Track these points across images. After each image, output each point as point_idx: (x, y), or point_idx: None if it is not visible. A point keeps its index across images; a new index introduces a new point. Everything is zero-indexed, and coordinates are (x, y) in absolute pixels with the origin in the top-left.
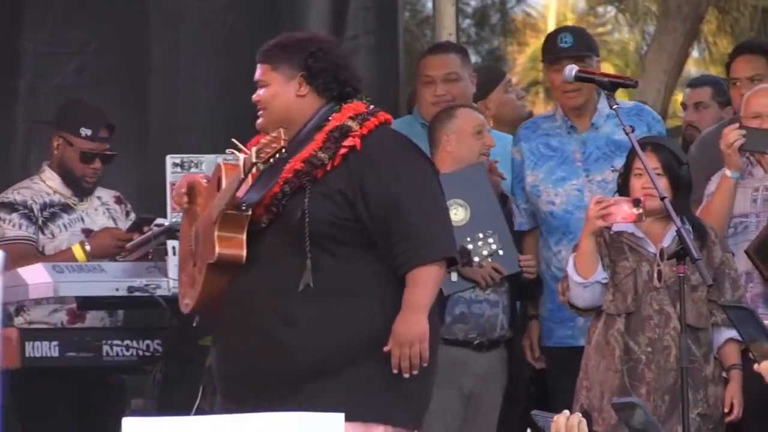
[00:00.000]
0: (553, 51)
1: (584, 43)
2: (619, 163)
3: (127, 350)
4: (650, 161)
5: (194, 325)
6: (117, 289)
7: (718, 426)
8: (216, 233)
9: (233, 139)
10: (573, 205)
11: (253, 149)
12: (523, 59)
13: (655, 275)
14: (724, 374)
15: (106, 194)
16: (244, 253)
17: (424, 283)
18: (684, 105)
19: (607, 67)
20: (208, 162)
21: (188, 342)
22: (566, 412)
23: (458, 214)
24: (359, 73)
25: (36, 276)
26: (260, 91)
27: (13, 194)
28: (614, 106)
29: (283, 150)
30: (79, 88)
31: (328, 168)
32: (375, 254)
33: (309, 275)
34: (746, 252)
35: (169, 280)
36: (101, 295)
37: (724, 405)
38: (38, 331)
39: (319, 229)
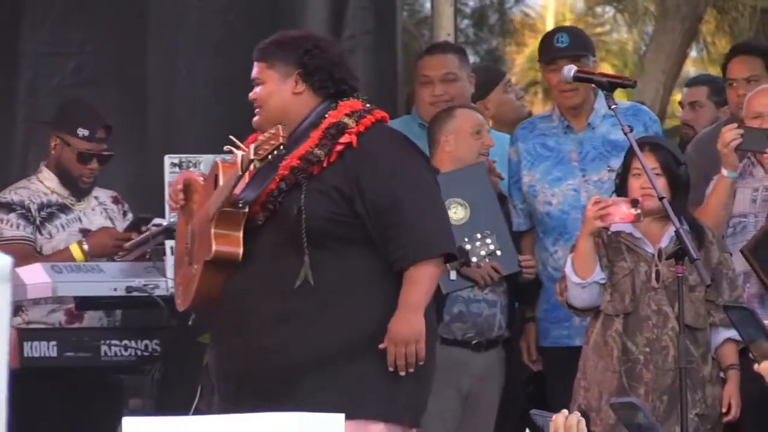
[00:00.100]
0: (550, 51)
1: (581, 43)
2: (616, 163)
3: (126, 350)
4: (649, 161)
5: (190, 323)
6: (115, 289)
7: (716, 426)
8: (212, 230)
9: (231, 137)
10: (569, 205)
11: (252, 146)
12: (522, 59)
13: (653, 275)
14: (721, 374)
15: (103, 194)
16: (241, 250)
17: (421, 281)
18: (681, 104)
19: (605, 67)
20: (206, 162)
21: (187, 342)
22: (565, 411)
23: (458, 213)
24: (355, 72)
25: (34, 276)
26: (257, 89)
27: (10, 194)
28: (613, 107)
29: (282, 147)
30: (78, 88)
31: (324, 165)
32: (372, 251)
33: (307, 272)
34: (741, 251)
35: (167, 280)
36: (99, 295)
37: (722, 405)
38: (36, 331)
39: (316, 226)
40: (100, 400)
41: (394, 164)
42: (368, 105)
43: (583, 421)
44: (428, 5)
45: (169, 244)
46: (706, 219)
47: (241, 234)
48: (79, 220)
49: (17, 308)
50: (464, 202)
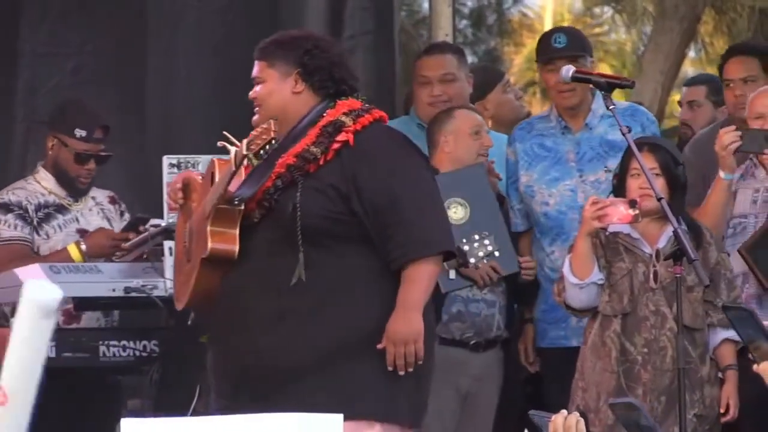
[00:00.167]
0: (547, 51)
1: (578, 43)
2: (613, 163)
3: (124, 351)
4: (648, 161)
5: (189, 323)
6: (113, 290)
7: (714, 427)
8: (208, 228)
9: (225, 132)
10: (567, 206)
11: (244, 141)
12: (520, 60)
13: (651, 276)
14: (720, 375)
15: (100, 194)
16: (237, 248)
17: (419, 280)
18: (680, 104)
19: (603, 68)
20: (204, 162)
21: (185, 342)
22: (564, 411)
23: (458, 212)
24: (355, 72)
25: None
26: (256, 88)
27: (7, 195)
28: (611, 107)
29: (273, 141)
30: (77, 88)
31: (321, 162)
32: (370, 249)
33: (301, 269)
34: (739, 251)
35: (165, 281)
36: (98, 295)
37: (720, 406)
38: None
39: (312, 224)
40: (98, 400)
41: (393, 163)
42: (367, 104)
43: (582, 421)
44: (426, 5)
45: (168, 244)
46: (704, 220)
47: (237, 231)
48: (77, 220)
49: (15, 309)
50: (464, 202)
